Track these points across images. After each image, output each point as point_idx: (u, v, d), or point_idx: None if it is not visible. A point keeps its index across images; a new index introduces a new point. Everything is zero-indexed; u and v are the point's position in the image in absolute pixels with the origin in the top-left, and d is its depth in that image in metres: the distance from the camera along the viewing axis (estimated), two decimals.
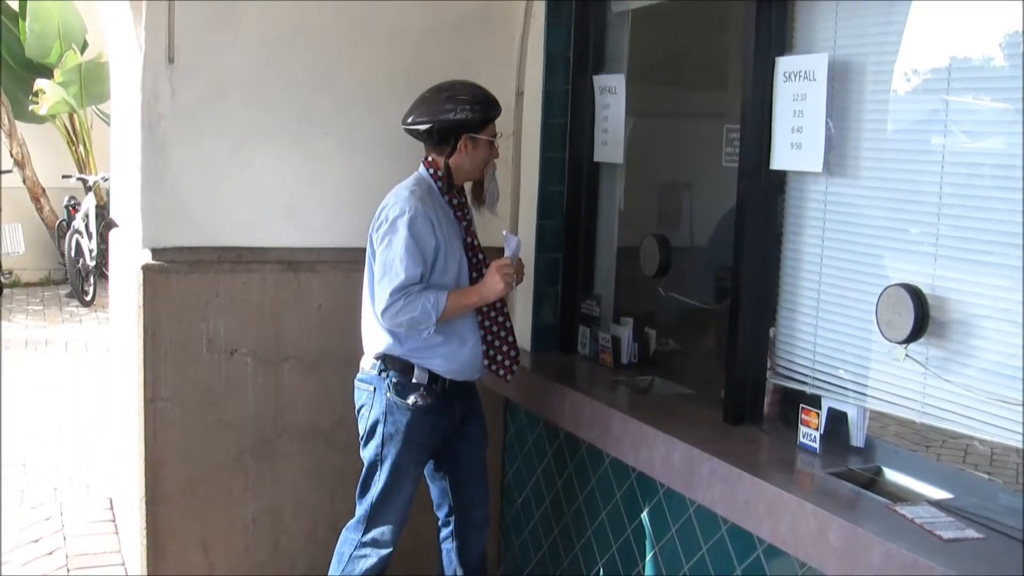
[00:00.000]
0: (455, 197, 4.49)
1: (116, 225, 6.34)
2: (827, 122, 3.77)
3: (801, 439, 3.86)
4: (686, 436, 4.03)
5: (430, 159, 4.47)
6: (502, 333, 4.54)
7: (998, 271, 3.26)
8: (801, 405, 3.89)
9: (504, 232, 4.44)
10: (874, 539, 3.11)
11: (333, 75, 5.20)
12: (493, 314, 4.51)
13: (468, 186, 4.58)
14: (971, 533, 3.14)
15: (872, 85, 3.71)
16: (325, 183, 5.24)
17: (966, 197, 3.36)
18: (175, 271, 4.99)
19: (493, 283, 4.31)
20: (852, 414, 3.81)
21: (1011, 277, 3.21)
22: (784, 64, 3.93)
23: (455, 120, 4.36)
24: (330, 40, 5.15)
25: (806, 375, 4.01)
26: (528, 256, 5.27)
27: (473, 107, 4.38)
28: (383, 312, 4.27)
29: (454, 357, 4.44)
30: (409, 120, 4.43)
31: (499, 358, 4.53)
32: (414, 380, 4.42)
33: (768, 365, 4.16)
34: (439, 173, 4.44)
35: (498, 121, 4.49)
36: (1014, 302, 3.20)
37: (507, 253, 4.35)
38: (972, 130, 3.38)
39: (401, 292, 4.23)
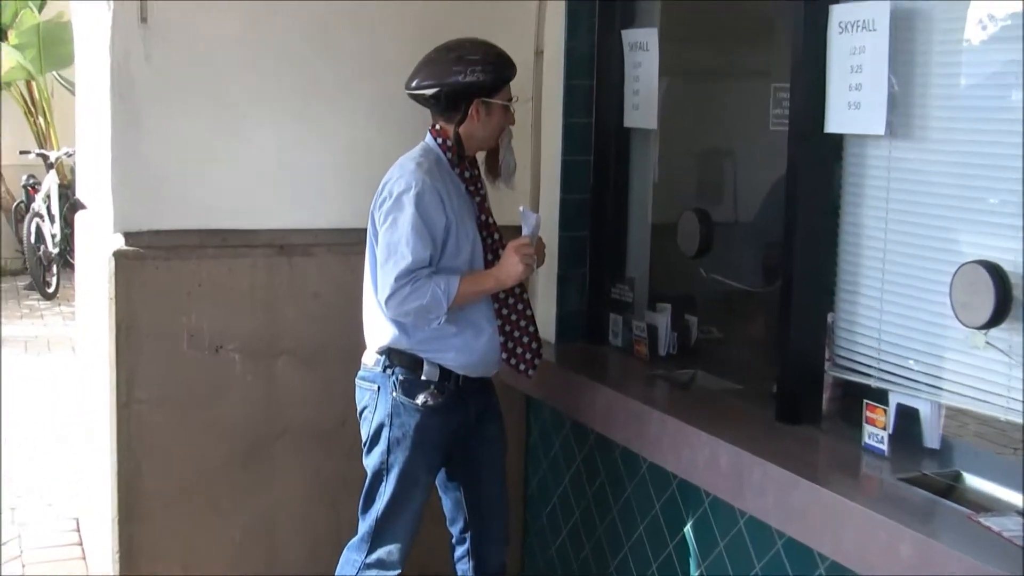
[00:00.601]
0: (467, 169, 4.49)
1: (83, 207, 6.34)
2: (889, 78, 3.74)
3: (866, 440, 3.82)
4: (733, 437, 4.01)
5: (438, 127, 4.47)
6: (522, 322, 4.54)
7: None
8: (865, 401, 3.85)
9: (521, 208, 4.43)
10: (954, 554, 3.09)
11: (332, 36, 5.20)
12: (512, 301, 4.51)
13: (481, 157, 4.58)
14: None
15: (941, 35, 3.68)
16: (323, 156, 5.25)
17: None
18: (151, 257, 4.99)
19: (511, 265, 4.30)
20: (924, 411, 3.79)
21: None
22: (839, 13, 3.90)
23: (465, 83, 4.35)
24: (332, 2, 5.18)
25: (870, 366, 3.98)
26: (550, 235, 5.26)
27: (485, 68, 4.37)
28: (387, 300, 4.26)
29: (469, 350, 4.43)
30: (414, 84, 4.43)
31: (519, 350, 4.53)
32: (423, 377, 4.41)
33: (826, 355, 4.13)
34: (448, 143, 4.44)
35: (514, 83, 4.47)
36: None
37: (525, 232, 4.35)
38: None
39: (408, 277, 4.23)
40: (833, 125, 3.98)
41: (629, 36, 5.13)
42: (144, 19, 4.86)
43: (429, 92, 4.39)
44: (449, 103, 4.40)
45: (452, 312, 4.30)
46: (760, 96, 4.60)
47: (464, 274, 4.31)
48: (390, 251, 4.27)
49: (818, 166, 4.10)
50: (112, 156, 4.99)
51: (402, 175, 4.33)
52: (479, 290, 4.34)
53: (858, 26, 3.82)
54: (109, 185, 5.03)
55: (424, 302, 4.23)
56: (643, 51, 5.03)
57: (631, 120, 5.19)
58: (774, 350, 4.29)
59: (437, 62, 4.41)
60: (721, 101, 5.19)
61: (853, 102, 3.87)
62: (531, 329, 4.55)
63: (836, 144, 4.08)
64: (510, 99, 4.48)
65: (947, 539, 3.17)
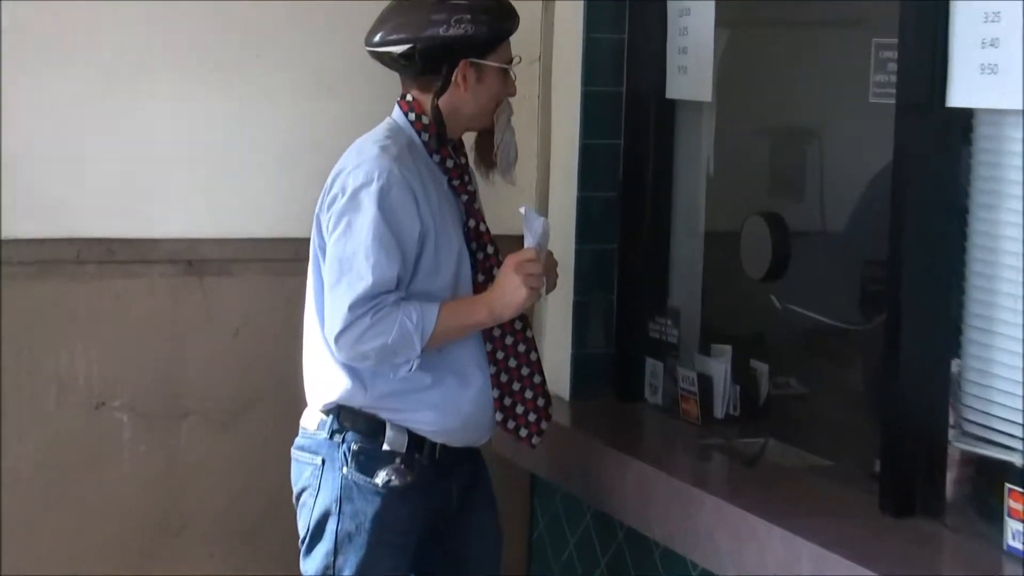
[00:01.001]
0: (449, 157, 4.44)
1: None
2: None
3: (1010, 541, 3.72)
4: (819, 533, 3.94)
5: (410, 99, 4.42)
6: (524, 370, 4.48)
7: None
8: (1008, 486, 3.76)
9: (523, 209, 4.36)
10: None
11: None
12: (511, 340, 4.46)
13: (470, 141, 4.55)
14: None
15: None
16: (251, 137, 5.27)
17: None
18: (8, 276, 4.97)
19: (510, 289, 4.21)
20: None
21: None
22: None
23: (449, 37, 4.30)
24: None
25: (1014, 435, 3.89)
26: (564, 249, 5.27)
27: (476, 17, 4.32)
28: (339, 336, 4.19)
29: (450, 408, 4.37)
30: (377, 38, 4.39)
31: (519, 409, 4.47)
32: (386, 447, 4.35)
33: (951, 420, 4.08)
34: (424, 120, 4.39)
35: (516, 39, 4.44)
36: None
37: (528, 242, 4.29)
38: None
39: (367, 305, 4.16)
40: (959, 96, 3.91)
41: None
42: None
43: (399, 49, 4.33)
44: (427, 65, 4.35)
45: (428, 355, 4.24)
46: (857, 54, 4.53)
47: (445, 302, 4.25)
48: (343, 269, 4.21)
49: (937, 153, 4.04)
50: None
51: (360, 164, 4.26)
52: (466, 324, 4.28)
53: None
54: None
55: (389, 340, 4.15)
56: None
57: (676, 89, 5.21)
58: (877, 412, 4.24)
59: (411, 8, 4.37)
60: (803, 62, 5.17)
61: (988, 64, 3.79)
62: (536, 379, 4.49)
63: (963, 122, 4.02)
64: (510, 60, 4.45)
65: None
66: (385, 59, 4.39)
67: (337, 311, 4.18)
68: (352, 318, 4.15)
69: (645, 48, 5.25)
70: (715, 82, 5.04)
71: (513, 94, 4.49)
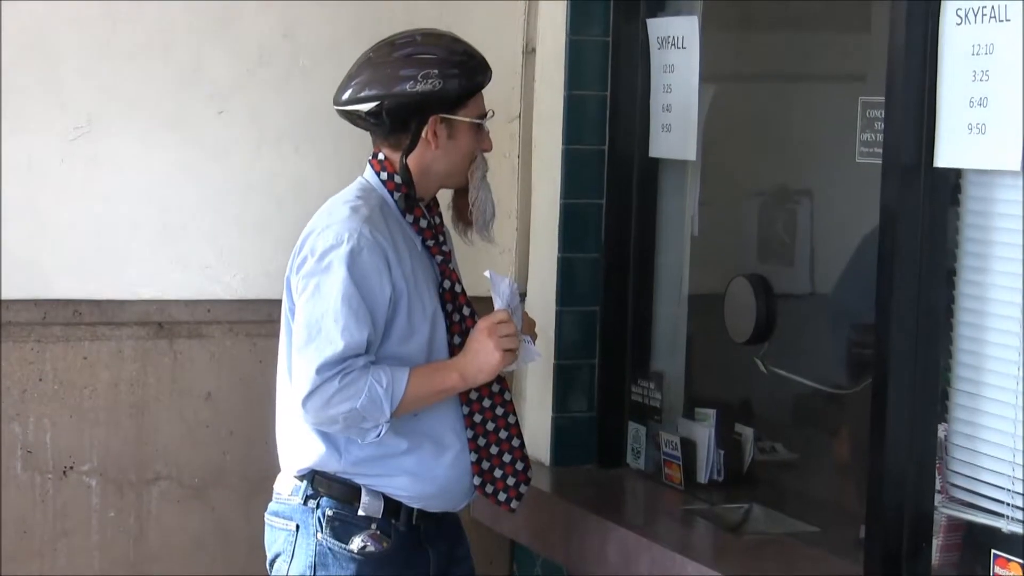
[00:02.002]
0: (424, 216, 4.46)
1: None
2: None
3: None
4: None
5: (381, 157, 4.44)
6: (502, 433, 4.50)
7: None
8: (994, 552, 3.82)
9: (487, 273, 4.39)
10: None
11: (233, 21, 5.24)
12: (488, 403, 4.47)
13: (446, 199, 4.57)
14: None
15: None
16: (219, 193, 5.29)
17: None
18: None
19: (483, 353, 4.26)
20: None
21: None
22: None
23: (418, 93, 4.32)
24: None
25: (1003, 501, 3.93)
26: (544, 311, 5.33)
27: (445, 71, 4.34)
28: (307, 399, 4.19)
29: (427, 474, 4.39)
30: (344, 96, 4.41)
31: (498, 473, 4.49)
32: (361, 512, 4.36)
33: (938, 485, 4.12)
34: (396, 179, 4.41)
35: (492, 93, 4.48)
36: None
37: (498, 304, 4.33)
38: None
39: (336, 368, 4.17)
40: (946, 157, 3.97)
41: (658, 28, 5.20)
42: None
43: (367, 107, 4.35)
44: (395, 122, 4.36)
45: (403, 420, 4.27)
46: (844, 111, 4.59)
47: (416, 366, 4.27)
48: (311, 332, 4.23)
49: (925, 214, 4.08)
50: None
51: (330, 224, 4.29)
52: (438, 389, 4.29)
53: (984, 14, 3.81)
54: None
55: (357, 404, 4.16)
56: (678, 49, 5.09)
57: (660, 147, 5.25)
58: (862, 477, 4.26)
59: (379, 64, 4.38)
60: (789, 119, 5.20)
61: (976, 124, 3.85)
62: (515, 443, 4.51)
63: (951, 183, 4.08)
64: (483, 115, 4.46)
65: None
66: (353, 118, 4.41)
67: (305, 374, 4.19)
68: (320, 381, 4.15)
69: (628, 105, 5.28)
70: (700, 140, 5.06)
71: (488, 149, 4.49)
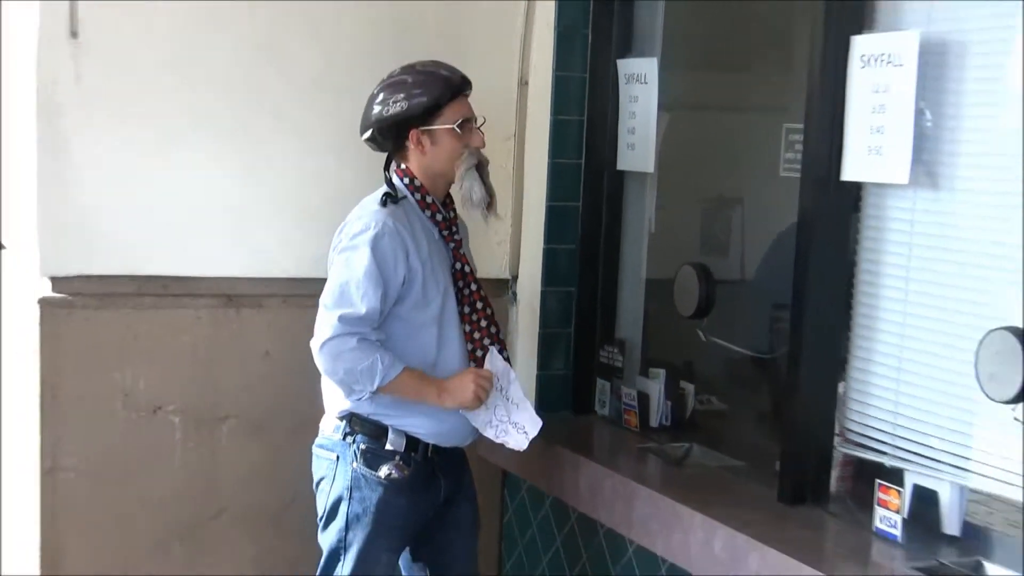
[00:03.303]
0: (439, 211, 4.49)
1: (3, 248, 6.32)
2: (925, 114, 3.76)
3: (878, 524, 3.84)
4: (731, 519, 4.02)
5: (403, 167, 4.48)
6: None
7: None
8: (878, 481, 3.87)
9: (491, 350, 4.48)
10: None
11: (288, 52, 5.23)
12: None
13: (457, 195, 4.56)
14: None
15: (976, 72, 3.69)
16: (278, 191, 5.26)
17: None
18: (82, 306, 5.00)
19: (461, 388, 4.34)
20: (945, 493, 3.78)
21: None
22: (862, 45, 3.93)
23: (390, 115, 4.38)
24: (283, 7, 5.18)
25: (885, 443, 3.99)
26: (531, 290, 5.36)
27: (411, 93, 4.37)
28: (324, 344, 4.24)
29: (441, 416, 4.41)
30: (360, 130, 4.49)
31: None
32: (388, 446, 4.40)
33: (836, 430, 4.16)
34: (415, 183, 4.45)
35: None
36: None
37: (487, 366, 4.41)
38: None
39: (355, 329, 4.22)
40: (851, 172, 4.00)
41: (625, 67, 5.17)
42: (74, 34, 4.88)
43: (366, 135, 4.45)
44: (387, 141, 4.45)
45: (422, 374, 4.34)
46: (771, 136, 4.62)
47: (410, 368, 4.30)
48: (335, 294, 4.28)
49: (833, 218, 4.12)
50: (38, 188, 5.00)
51: (361, 216, 4.34)
52: (417, 392, 4.34)
53: (883, 60, 3.83)
54: (34, 222, 5.03)
55: (359, 368, 4.22)
56: (641, 83, 5.07)
57: (626, 162, 5.23)
58: (779, 423, 4.32)
59: (369, 100, 4.45)
60: (728, 141, 5.22)
61: (874, 146, 3.88)
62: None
63: (854, 193, 4.10)
64: (462, 119, 4.44)
65: None
66: (369, 145, 4.49)
67: (327, 324, 4.23)
68: (339, 331, 4.20)
69: (601, 128, 5.25)
70: (657, 157, 5.04)
71: (478, 145, 4.46)
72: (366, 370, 4.20)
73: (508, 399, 4.38)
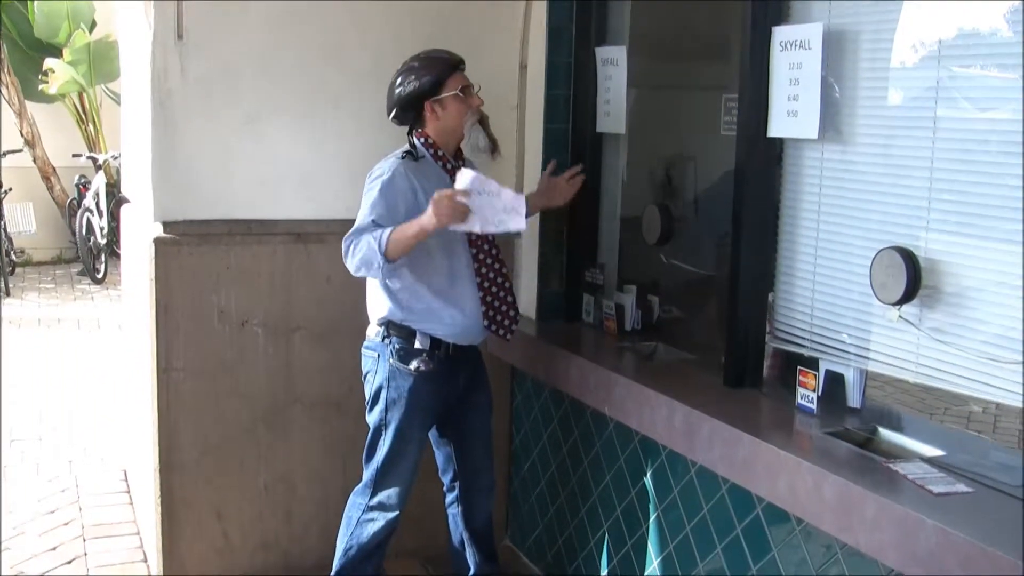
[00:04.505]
0: (449, 162, 4.55)
1: (127, 202, 6.41)
2: (832, 85, 3.81)
3: (799, 400, 3.90)
4: (687, 399, 4.07)
5: (419, 130, 4.55)
6: (500, 293, 4.58)
7: (989, 235, 3.31)
8: (799, 367, 3.93)
9: (462, 170, 4.37)
10: (868, 494, 3.18)
11: (342, 50, 5.24)
12: (492, 275, 4.57)
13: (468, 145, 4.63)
14: (961, 488, 3.21)
15: (867, 54, 3.75)
16: (335, 156, 5.27)
17: (959, 164, 3.40)
18: (186, 244, 5.05)
19: (435, 207, 4.18)
20: (849, 375, 3.87)
21: (1006, 241, 3.25)
22: (781, 33, 3.96)
23: (408, 94, 4.45)
24: (339, 15, 5.20)
25: (804, 338, 4.06)
26: (533, 227, 5.35)
27: (419, 73, 4.44)
28: (344, 249, 4.35)
29: (454, 321, 4.49)
30: (387, 112, 4.56)
31: (498, 318, 4.57)
32: (417, 346, 4.48)
33: (767, 329, 4.20)
34: (429, 141, 4.52)
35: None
36: (1009, 264, 3.24)
37: (457, 185, 4.27)
38: (968, 99, 3.39)
39: (353, 236, 4.32)
40: (774, 130, 4.04)
41: (602, 53, 5.18)
42: (181, 36, 4.93)
43: (391, 115, 4.52)
44: (407, 114, 4.51)
45: (441, 290, 4.44)
46: (713, 105, 4.64)
47: (398, 226, 4.26)
48: (358, 217, 4.38)
49: (761, 166, 4.15)
50: (152, 157, 5.05)
51: (381, 165, 4.46)
52: (406, 234, 4.23)
53: (796, 45, 3.89)
54: (150, 182, 5.10)
55: (364, 253, 4.27)
56: (613, 66, 5.09)
57: (603, 126, 5.23)
58: (723, 325, 4.34)
59: (388, 87, 4.53)
60: (681, 110, 5.21)
61: (791, 111, 3.94)
62: (509, 299, 4.60)
63: (777, 147, 4.14)
64: (462, 87, 4.50)
65: (863, 482, 3.25)
66: (394, 121, 4.56)
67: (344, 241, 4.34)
68: (344, 246, 4.32)
69: (584, 99, 5.25)
70: (627, 121, 5.06)
71: (479, 104, 4.52)
72: (367, 252, 4.25)
73: (489, 195, 4.24)
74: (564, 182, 4.97)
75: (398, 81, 4.47)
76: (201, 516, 5.26)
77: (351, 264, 4.34)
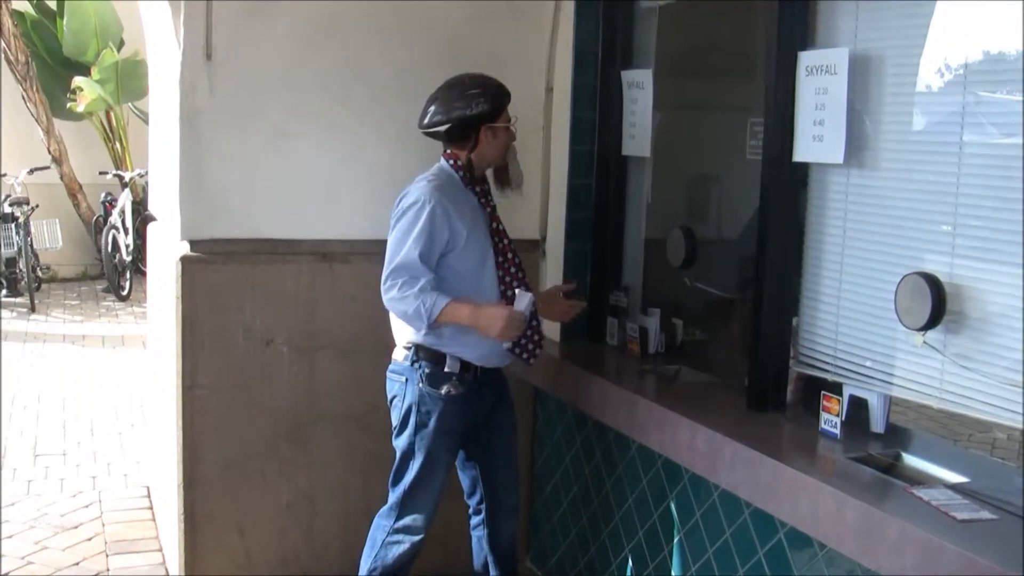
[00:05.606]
0: (477, 185, 4.56)
1: (153, 219, 6.43)
2: (858, 112, 3.82)
3: (823, 425, 3.90)
4: (710, 422, 4.07)
5: (449, 152, 4.55)
6: (532, 321, 4.55)
7: (1014, 261, 3.30)
8: (823, 392, 3.93)
9: (517, 290, 4.47)
10: (890, 519, 3.18)
11: (367, 66, 5.25)
12: None
13: (490, 173, 4.65)
14: (985, 514, 3.20)
15: (893, 79, 3.75)
16: (360, 173, 5.29)
17: (984, 188, 3.40)
18: (212, 262, 5.07)
19: (493, 322, 4.31)
20: (873, 400, 3.87)
21: None
22: (807, 58, 3.97)
23: (472, 115, 4.43)
24: (364, 32, 5.21)
25: (828, 363, 4.05)
26: (557, 246, 5.37)
27: (485, 98, 4.44)
28: (384, 286, 4.34)
29: (482, 344, 4.46)
30: (426, 122, 4.51)
31: (522, 341, 4.55)
32: (446, 369, 4.47)
33: (791, 353, 4.20)
34: (460, 163, 4.52)
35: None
36: None
37: (518, 307, 4.37)
38: (993, 124, 3.40)
39: (398, 275, 4.31)
40: (800, 155, 4.04)
41: (628, 76, 5.18)
42: (209, 56, 4.96)
43: (442, 128, 4.46)
44: (460, 134, 4.47)
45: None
46: (739, 129, 4.65)
47: (456, 299, 4.32)
48: (394, 249, 4.36)
49: (786, 190, 4.15)
50: (180, 175, 5.07)
51: (413, 191, 4.42)
52: (460, 317, 4.32)
53: (822, 70, 3.89)
54: (177, 200, 5.12)
55: (410, 313, 4.30)
56: (639, 89, 5.09)
57: (628, 148, 5.24)
58: (747, 349, 4.33)
59: (443, 100, 4.48)
60: (706, 133, 5.20)
61: (817, 135, 3.94)
62: (534, 323, 4.57)
63: (802, 172, 4.14)
64: (509, 119, 4.54)
65: (885, 506, 3.26)
66: (431, 134, 4.52)
67: (387, 270, 4.33)
68: (387, 281, 4.31)
69: (609, 122, 5.26)
70: (652, 144, 5.06)
71: (515, 139, 4.58)
72: (414, 312, 4.26)
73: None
74: (565, 303, 4.92)
75: (460, 103, 4.44)
76: (223, 532, 5.26)
77: (393, 307, 4.37)
